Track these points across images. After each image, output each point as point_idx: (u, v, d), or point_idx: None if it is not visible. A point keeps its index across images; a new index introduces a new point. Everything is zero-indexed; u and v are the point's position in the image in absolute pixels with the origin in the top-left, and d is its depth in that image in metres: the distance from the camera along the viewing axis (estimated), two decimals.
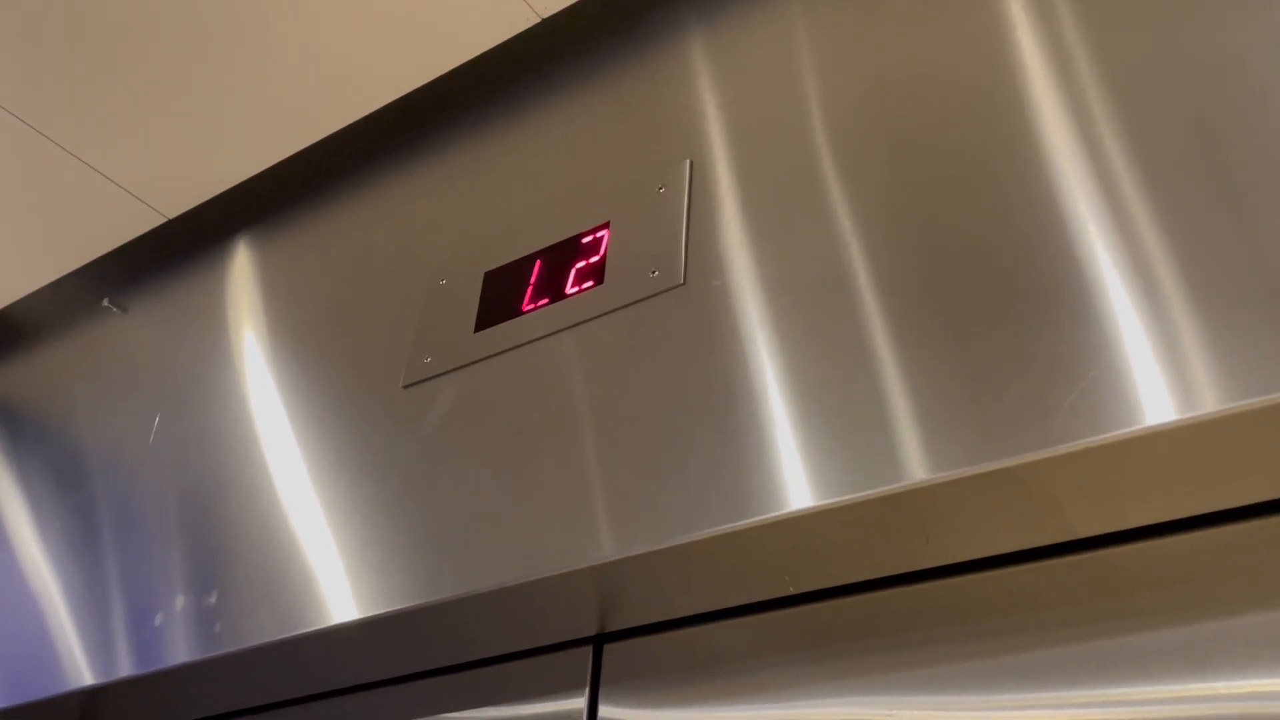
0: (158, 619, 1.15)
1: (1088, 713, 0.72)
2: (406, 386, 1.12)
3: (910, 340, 0.80)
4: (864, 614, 0.85)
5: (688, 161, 1.03)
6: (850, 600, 0.86)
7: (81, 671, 1.19)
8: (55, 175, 1.53)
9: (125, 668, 1.14)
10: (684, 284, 0.96)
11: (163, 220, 1.60)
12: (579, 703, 0.96)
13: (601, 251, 1.05)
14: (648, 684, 0.93)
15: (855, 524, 0.77)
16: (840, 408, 0.80)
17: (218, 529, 1.18)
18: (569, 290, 1.05)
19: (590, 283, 1.03)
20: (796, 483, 0.79)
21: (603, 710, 0.95)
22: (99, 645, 1.20)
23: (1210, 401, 0.64)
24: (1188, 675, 0.70)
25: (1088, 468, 0.68)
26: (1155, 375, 0.67)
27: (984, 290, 0.78)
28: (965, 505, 0.74)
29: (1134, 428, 0.66)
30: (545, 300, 1.06)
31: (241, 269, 1.46)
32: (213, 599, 1.11)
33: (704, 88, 1.09)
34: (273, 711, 1.18)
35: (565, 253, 1.08)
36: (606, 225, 1.06)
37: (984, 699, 0.76)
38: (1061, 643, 0.75)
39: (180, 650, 1.10)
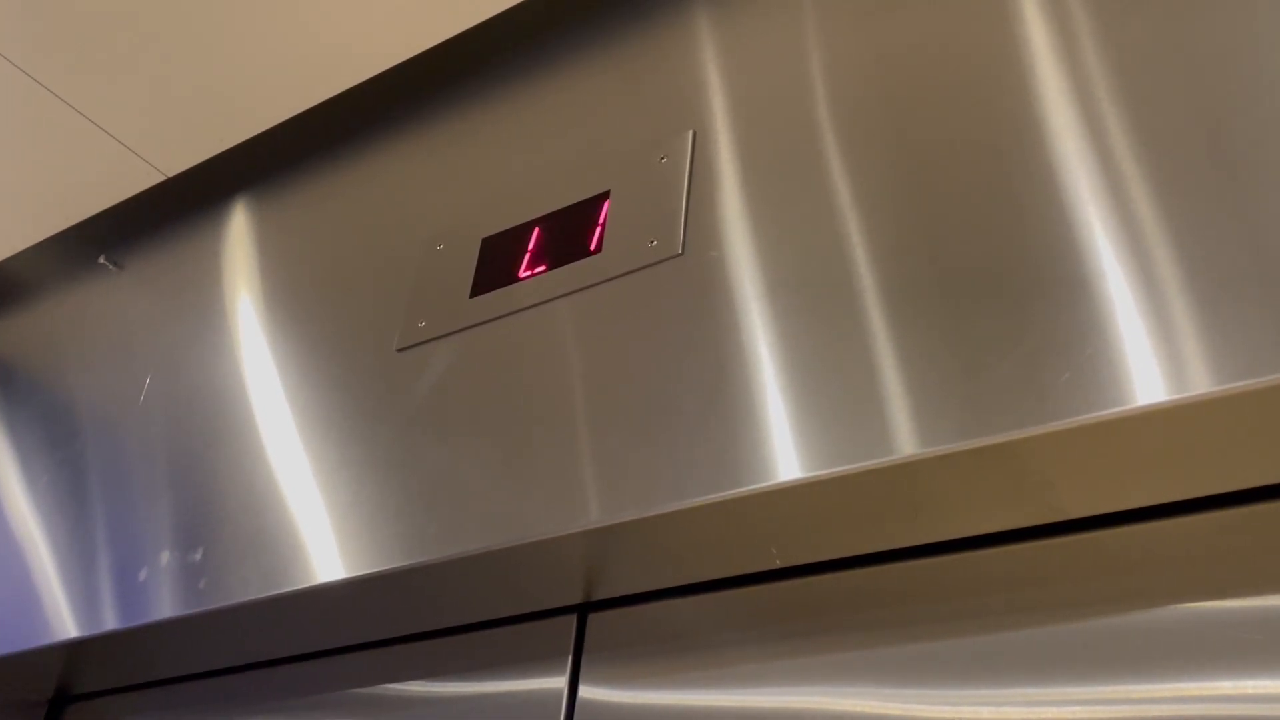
0: (142, 574, 1.15)
1: (1074, 701, 0.72)
2: (400, 350, 1.11)
3: (906, 316, 0.79)
4: (851, 591, 0.85)
5: (690, 132, 1.02)
6: (837, 576, 0.86)
7: (63, 625, 1.19)
8: (55, 128, 1.52)
9: (107, 623, 1.14)
10: (682, 254, 0.95)
11: (162, 178, 1.59)
12: (561, 672, 0.96)
13: (600, 220, 1.04)
14: (630, 655, 0.93)
15: (844, 497, 0.77)
16: (834, 381, 0.79)
17: (206, 487, 1.17)
18: (566, 258, 1.04)
19: (588, 251, 1.02)
20: (786, 454, 0.78)
21: (584, 680, 0.94)
22: (82, 600, 1.19)
23: (1203, 383, 0.64)
24: (1175, 661, 0.69)
25: (1080, 446, 0.68)
26: (1149, 355, 0.66)
27: (982, 267, 0.77)
28: (956, 481, 0.73)
29: (1127, 407, 0.65)
30: (542, 267, 1.05)
31: (239, 230, 1.45)
32: (198, 556, 1.11)
33: (708, 59, 1.08)
34: (255, 672, 1.18)
35: (564, 220, 1.07)
36: (606, 194, 1.05)
37: (970, 680, 0.76)
38: (1050, 625, 0.75)
39: (163, 606, 1.10)
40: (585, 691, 0.94)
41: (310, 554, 1.02)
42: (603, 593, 0.95)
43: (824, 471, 0.75)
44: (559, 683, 0.95)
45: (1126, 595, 0.73)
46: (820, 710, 0.81)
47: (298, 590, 1.00)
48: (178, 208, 1.55)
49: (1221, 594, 0.70)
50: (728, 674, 0.87)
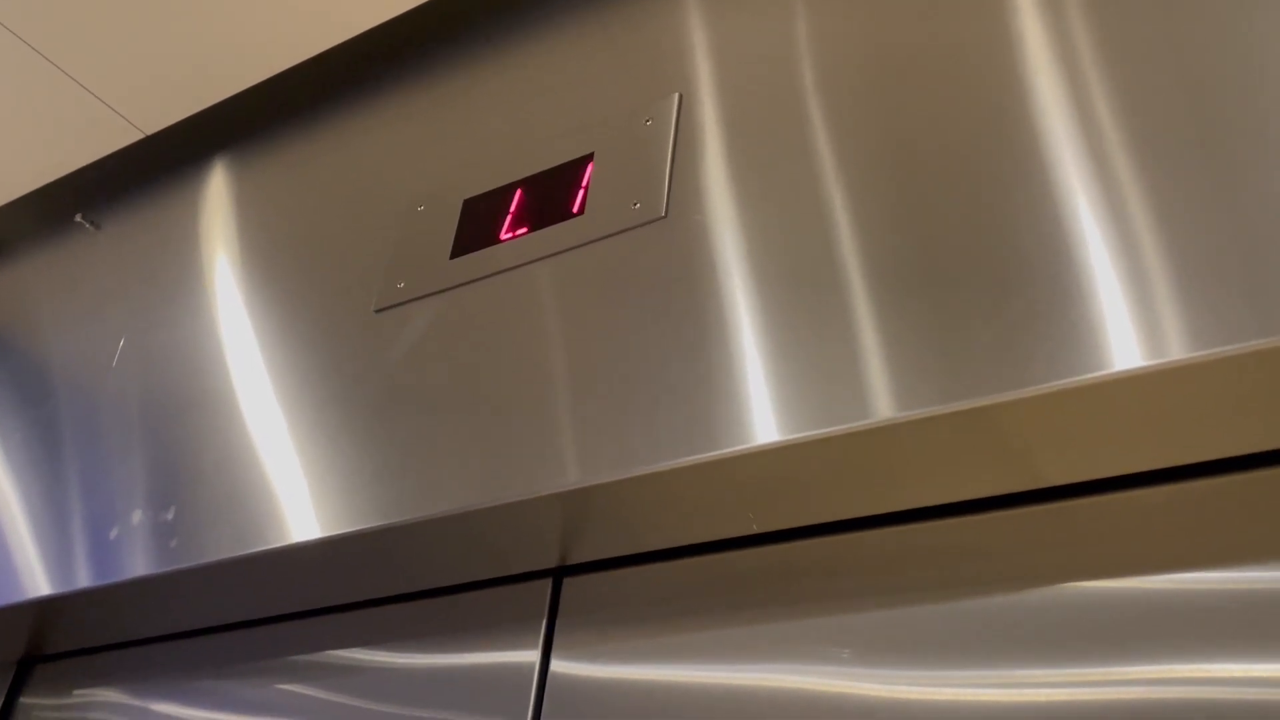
0: (113, 533, 1.14)
1: (1051, 684, 0.72)
2: (378, 311, 1.10)
3: (888, 281, 0.78)
4: (828, 558, 0.84)
5: (677, 95, 1.01)
6: (814, 542, 0.85)
7: (33, 583, 1.17)
8: (32, 83, 1.50)
9: (77, 581, 1.13)
10: (665, 217, 0.94)
11: (140, 136, 1.57)
12: (535, 636, 0.95)
13: (584, 182, 1.03)
14: (605, 620, 0.93)
15: (822, 461, 0.76)
16: (815, 346, 0.79)
17: (180, 447, 1.16)
18: (548, 220, 1.03)
19: (570, 213, 1.01)
20: (765, 417, 0.77)
21: (557, 644, 0.94)
22: (52, 558, 1.18)
23: (1181, 349, 0.63)
24: (1152, 637, 0.69)
25: (1058, 411, 0.67)
26: (1128, 322, 0.66)
27: (965, 234, 0.77)
28: (934, 446, 0.73)
29: (1104, 372, 0.65)
30: (524, 229, 1.04)
31: (218, 189, 1.43)
32: (170, 515, 1.10)
33: (695, 22, 1.06)
34: (226, 635, 1.17)
35: (547, 183, 1.06)
36: (590, 156, 1.04)
37: (947, 653, 0.75)
38: (1026, 591, 0.75)
39: (133, 565, 1.08)
40: (558, 655, 0.93)
41: (283, 514, 1.01)
42: (578, 557, 0.95)
43: (802, 435, 0.75)
44: (532, 648, 0.94)
45: (1105, 565, 0.73)
46: (796, 690, 0.80)
47: (270, 550, 0.99)
48: (156, 166, 1.53)
49: (1198, 565, 0.70)
50: (702, 644, 0.86)
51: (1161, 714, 0.66)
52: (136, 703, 1.19)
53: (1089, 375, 0.65)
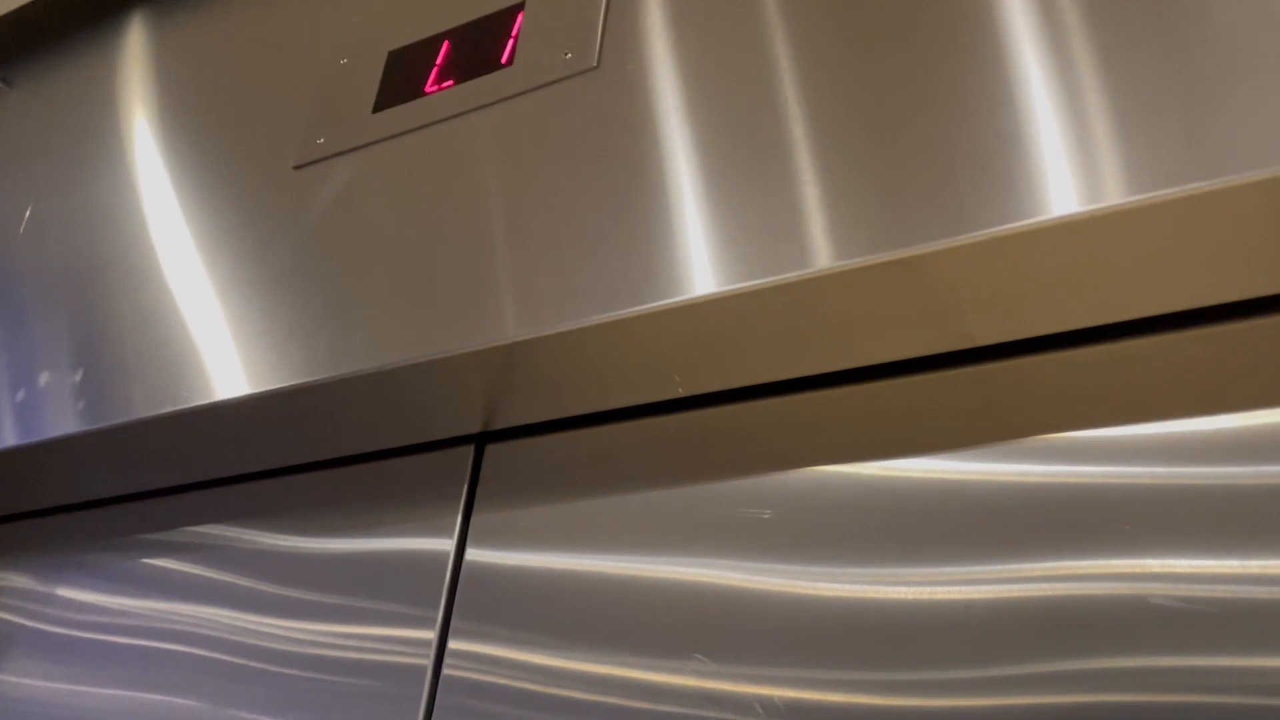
0: (19, 396, 1.09)
1: (990, 578, 0.70)
2: (297, 168, 1.04)
3: (826, 132, 0.75)
4: (753, 422, 0.82)
5: None
6: (740, 407, 0.83)
7: None
8: None
9: None
10: (597, 68, 0.89)
11: None
12: (454, 505, 0.92)
13: (513, 32, 0.97)
14: (525, 489, 0.90)
15: (747, 317, 0.73)
16: (749, 198, 0.75)
17: (92, 308, 1.11)
18: (476, 72, 0.97)
19: (499, 64, 0.96)
20: (694, 271, 0.74)
21: (477, 513, 0.91)
22: None
23: (1118, 193, 0.60)
24: (1083, 514, 0.68)
25: (991, 261, 0.65)
26: (1066, 169, 0.63)
27: (904, 80, 0.73)
28: (863, 301, 0.70)
29: (1039, 218, 0.62)
30: (450, 82, 0.98)
31: (135, 43, 1.35)
32: (78, 376, 1.05)
33: None
34: (137, 503, 1.13)
35: (475, 33, 1.00)
36: (521, 4, 0.98)
37: (883, 536, 0.73)
38: (956, 454, 0.73)
39: (37, 427, 1.04)
40: (476, 527, 0.90)
41: (196, 374, 0.96)
42: (503, 422, 0.91)
43: (730, 287, 0.72)
44: (451, 520, 0.92)
45: (1029, 425, 0.71)
46: (718, 580, 0.78)
47: (178, 410, 0.95)
48: (71, 21, 1.44)
49: (1133, 424, 0.68)
50: (622, 516, 0.84)
51: (1088, 606, 0.64)
52: (39, 578, 1.15)
53: (1022, 222, 0.62)
